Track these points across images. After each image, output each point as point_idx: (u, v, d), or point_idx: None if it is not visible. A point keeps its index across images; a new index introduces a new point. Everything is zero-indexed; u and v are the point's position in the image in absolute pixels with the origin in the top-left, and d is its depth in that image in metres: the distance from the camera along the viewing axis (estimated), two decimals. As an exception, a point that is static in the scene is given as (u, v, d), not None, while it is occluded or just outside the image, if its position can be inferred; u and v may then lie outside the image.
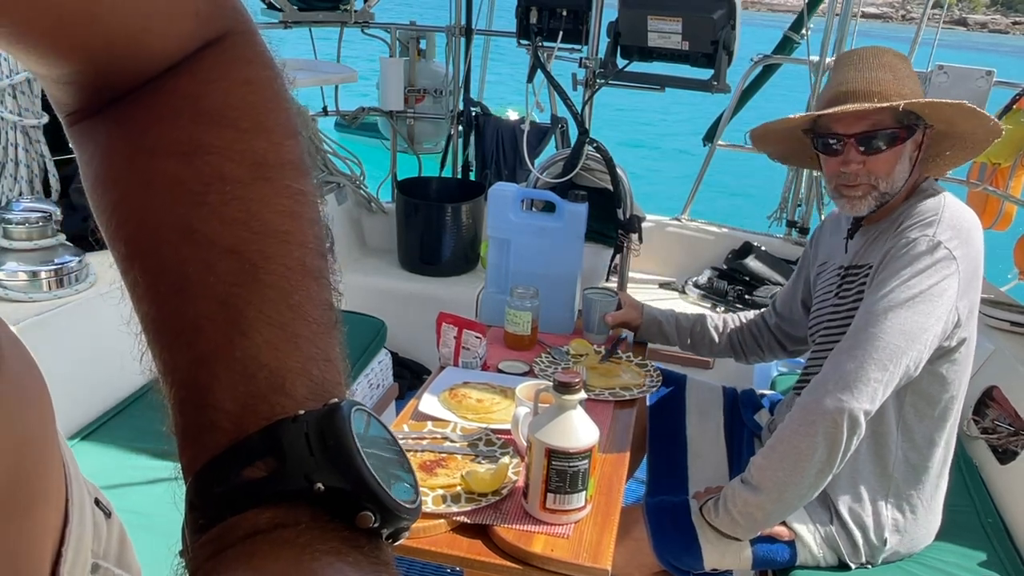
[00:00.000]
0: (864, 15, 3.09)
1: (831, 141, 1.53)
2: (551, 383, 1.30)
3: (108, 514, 0.55)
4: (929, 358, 1.43)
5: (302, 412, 0.36)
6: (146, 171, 0.39)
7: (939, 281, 1.40)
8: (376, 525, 0.35)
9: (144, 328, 0.40)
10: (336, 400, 0.37)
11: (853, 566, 1.55)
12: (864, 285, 1.55)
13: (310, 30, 3.51)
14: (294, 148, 0.42)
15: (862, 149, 1.49)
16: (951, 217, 1.47)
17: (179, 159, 0.39)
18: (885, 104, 1.45)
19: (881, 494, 1.54)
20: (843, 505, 1.54)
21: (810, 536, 1.53)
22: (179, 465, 0.38)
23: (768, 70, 3.45)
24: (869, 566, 1.56)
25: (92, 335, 1.85)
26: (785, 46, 3.48)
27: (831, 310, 1.66)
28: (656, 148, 12.85)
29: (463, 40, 3.54)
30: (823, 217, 2.71)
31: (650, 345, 2.13)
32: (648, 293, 3.18)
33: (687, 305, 3.11)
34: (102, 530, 0.53)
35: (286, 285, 0.39)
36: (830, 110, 1.49)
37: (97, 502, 0.54)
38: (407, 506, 0.37)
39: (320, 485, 0.34)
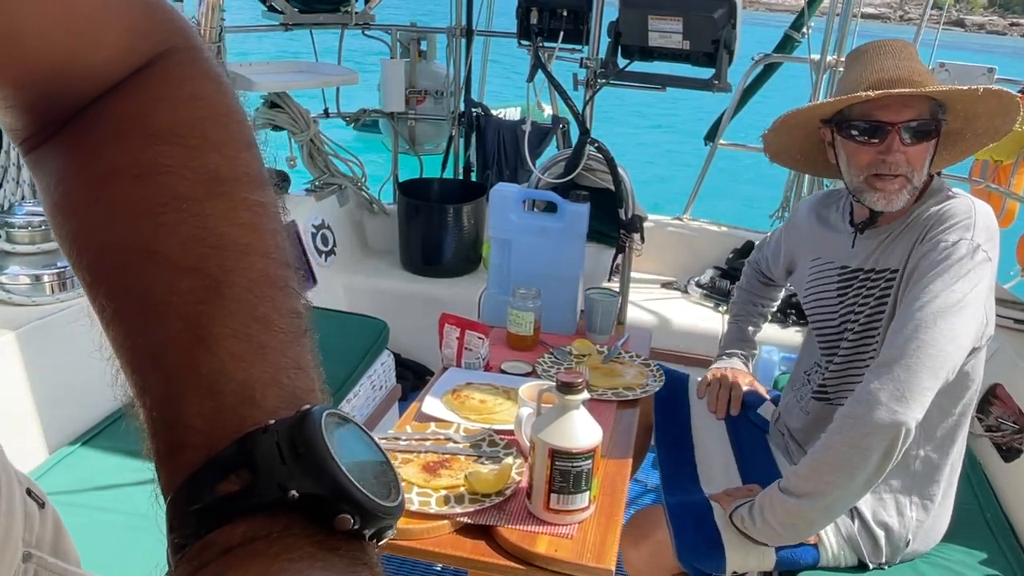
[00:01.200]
0: (862, 16, 3.09)
1: (871, 129, 1.46)
2: (554, 383, 1.30)
3: (41, 504, 0.56)
4: None
5: (272, 422, 0.36)
6: (101, 196, 0.39)
7: (978, 284, 1.39)
8: (356, 527, 0.35)
9: (115, 352, 0.40)
10: (308, 406, 0.37)
11: (871, 566, 1.54)
12: (889, 290, 1.52)
13: (311, 32, 3.51)
14: (249, 160, 0.42)
15: (906, 138, 1.45)
16: (984, 219, 1.45)
17: (132, 181, 0.39)
18: (964, 87, 1.43)
19: (903, 494, 1.53)
20: (865, 506, 1.52)
21: (832, 537, 1.52)
22: (158, 488, 0.38)
23: (769, 69, 3.45)
24: (886, 566, 1.55)
25: (95, 338, 1.85)
26: (786, 45, 3.47)
27: (846, 316, 1.62)
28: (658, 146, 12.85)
29: (464, 41, 3.54)
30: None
31: (652, 345, 2.13)
32: (650, 293, 3.18)
33: (689, 305, 3.11)
34: (34, 520, 0.54)
35: (250, 297, 0.39)
36: (894, 91, 1.42)
37: (29, 492, 0.54)
38: (387, 505, 0.36)
39: (294, 492, 0.34)
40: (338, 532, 0.35)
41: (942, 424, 1.52)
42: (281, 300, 0.40)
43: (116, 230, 0.39)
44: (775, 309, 2.13)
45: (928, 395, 1.34)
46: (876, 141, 1.47)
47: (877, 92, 1.43)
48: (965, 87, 1.44)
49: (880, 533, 1.53)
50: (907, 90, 1.43)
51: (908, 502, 1.53)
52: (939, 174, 1.59)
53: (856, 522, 1.53)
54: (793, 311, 2.87)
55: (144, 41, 0.42)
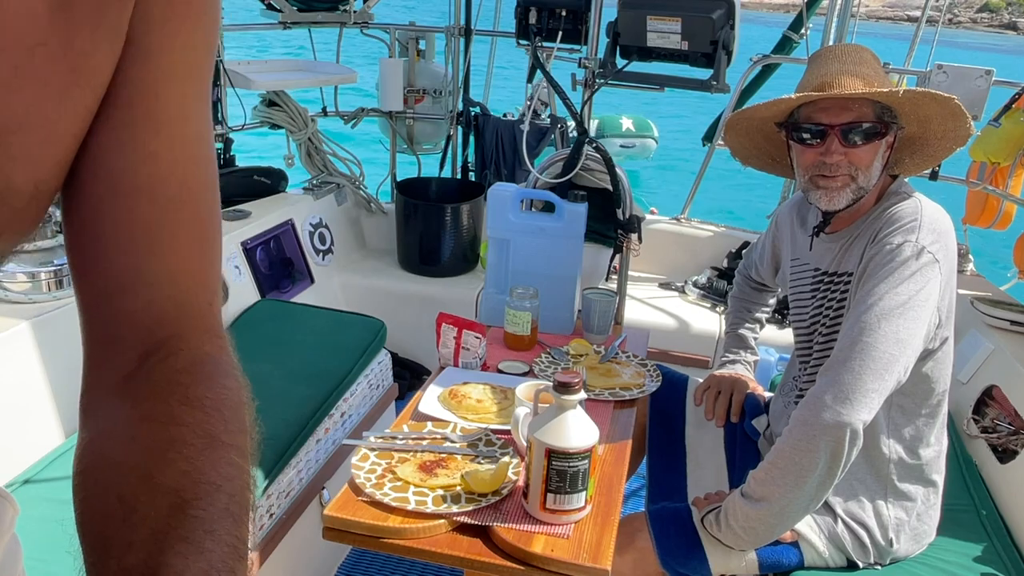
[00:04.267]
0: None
1: (812, 131, 1.50)
2: (551, 383, 1.31)
3: None
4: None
5: None
6: (134, 434, 0.52)
7: (925, 286, 1.40)
8: None
9: (84, 534, 0.49)
10: None
11: (861, 565, 1.54)
12: (847, 294, 1.54)
13: (309, 31, 3.51)
14: (242, 439, 0.54)
15: (845, 140, 1.47)
16: (930, 220, 1.46)
17: (158, 426, 0.51)
18: (885, 90, 1.44)
19: (879, 494, 1.54)
20: (840, 506, 1.54)
21: (815, 536, 1.53)
22: None
23: (767, 70, 3.45)
24: (878, 567, 1.56)
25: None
26: (784, 46, 3.48)
27: (815, 319, 1.64)
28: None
29: (462, 40, 3.54)
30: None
31: (650, 345, 2.12)
32: (648, 293, 3.19)
33: (687, 305, 3.11)
34: None
35: (207, 518, 0.48)
36: (826, 94, 1.46)
37: None
38: None
39: None
40: None
41: (909, 426, 1.53)
42: (231, 527, 0.49)
43: (130, 455, 0.50)
44: (769, 314, 2.14)
45: (874, 396, 1.36)
46: (817, 143, 1.50)
47: (798, 95, 1.50)
48: (885, 90, 1.45)
49: (861, 532, 1.53)
50: (826, 93, 1.46)
51: (884, 501, 1.54)
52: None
53: (837, 521, 1.54)
54: (788, 311, 2.87)
55: (214, 317, 0.58)
